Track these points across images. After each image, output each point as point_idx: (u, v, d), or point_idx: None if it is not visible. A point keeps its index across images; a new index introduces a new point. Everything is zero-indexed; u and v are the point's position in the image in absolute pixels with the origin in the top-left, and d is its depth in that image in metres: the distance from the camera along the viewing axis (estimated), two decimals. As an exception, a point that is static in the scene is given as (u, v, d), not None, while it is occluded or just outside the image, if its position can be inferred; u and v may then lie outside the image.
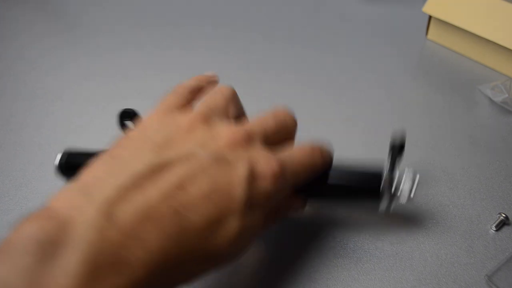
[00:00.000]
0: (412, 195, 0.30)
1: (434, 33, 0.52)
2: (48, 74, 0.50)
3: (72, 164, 0.32)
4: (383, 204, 0.30)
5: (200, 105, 0.28)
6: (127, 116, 0.35)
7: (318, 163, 0.29)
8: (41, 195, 0.37)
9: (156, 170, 0.23)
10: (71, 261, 0.18)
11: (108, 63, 0.52)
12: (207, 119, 0.27)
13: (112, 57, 0.52)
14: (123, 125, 0.35)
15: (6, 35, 0.57)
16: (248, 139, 0.26)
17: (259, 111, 0.43)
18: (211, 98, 0.29)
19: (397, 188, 0.30)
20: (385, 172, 0.30)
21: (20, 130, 0.43)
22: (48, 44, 0.55)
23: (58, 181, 0.38)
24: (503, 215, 0.33)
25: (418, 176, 0.30)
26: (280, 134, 0.29)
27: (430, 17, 0.52)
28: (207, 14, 0.60)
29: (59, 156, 0.32)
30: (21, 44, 0.55)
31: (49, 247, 0.19)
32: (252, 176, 0.24)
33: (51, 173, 0.39)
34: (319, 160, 0.29)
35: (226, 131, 0.26)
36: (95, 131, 0.43)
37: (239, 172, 0.24)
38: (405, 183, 0.30)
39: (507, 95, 0.42)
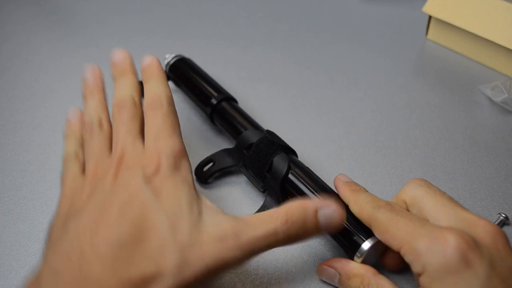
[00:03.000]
0: None
1: (434, 33, 0.52)
2: (46, 71, 0.50)
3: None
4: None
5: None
6: None
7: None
8: (41, 195, 0.37)
9: None
10: None
11: (104, 56, 0.51)
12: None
13: (109, 50, 0.52)
14: None
15: (1, 34, 0.57)
16: None
17: (259, 111, 0.43)
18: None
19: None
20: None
21: (19, 130, 0.43)
22: (44, 40, 0.55)
23: (58, 181, 0.38)
24: (503, 215, 0.33)
25: None
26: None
27: (430, 17, 0.52)
28: (205, 10, 0.60)
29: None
30: (17, 42, 0.55)
31: None
32: None
33: (51, 173, 0.39)
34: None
35: None
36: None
37: None
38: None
39: (507, 95, 0.42)
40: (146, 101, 0.32)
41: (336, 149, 0.40)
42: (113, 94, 0.33)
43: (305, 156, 0.38)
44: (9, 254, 0.33)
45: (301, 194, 0.32)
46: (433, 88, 0.46)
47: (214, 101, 0.40)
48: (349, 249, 0.30)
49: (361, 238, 0.29)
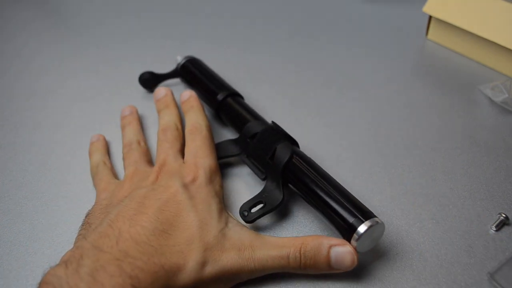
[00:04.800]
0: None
1: (434, 33, 0.52)
2: (47, 72, 0.50)
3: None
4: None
5: None
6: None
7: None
8: (41, 195, 0.37)
9: None
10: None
11: (104, 56, 0.52)
12: None
13: (109, 50, 0.52)
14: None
15: (2, 35, 0.57)
16: None
17: (259, 111, 0.43)
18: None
19: None
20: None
21: (19, 130, 0.43)
22: (44, 41, 0.55)
23: (58, 181, 0.38)
24: (503, 215, 0.33)
25: None
26: None
27: (430, 17, 0.52)
28: (206, 11, 0.60)
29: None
30: (18, 43, 0.55)
31: None
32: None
33: (51, 173, 0.39)
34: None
35: None
36: (95, 129, 0.43)
37: None
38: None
39: (507, 95, 0.42)
40: (188, 127, 0.38)
41: (336, 149, 0.40)
42: (159, 123, 0.39)
43: (305, 156, 0.38)
44: (9, 254, 0.33)
45: (302, 181, 0.33)
46: (433, 88, 0.46)
47: (220, 97, 0.41)
48: (345, 231, 0.30)
49: (359, 219, 0.29)
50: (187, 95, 0.41)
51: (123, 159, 0.38)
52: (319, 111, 0.44)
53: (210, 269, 0.28)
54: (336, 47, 0.53)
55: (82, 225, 0.32)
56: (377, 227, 0.29)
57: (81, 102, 0.46)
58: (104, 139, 0.41)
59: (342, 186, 0.32)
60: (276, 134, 0.36)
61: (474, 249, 0.32)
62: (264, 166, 0.35)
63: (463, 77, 0.47)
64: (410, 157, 0.39)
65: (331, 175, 0.33)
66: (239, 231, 0.30)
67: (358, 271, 0.31)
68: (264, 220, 0.34)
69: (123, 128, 0.41)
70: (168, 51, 0.53)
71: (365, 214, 0.29)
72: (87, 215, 0.33)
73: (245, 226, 0.31)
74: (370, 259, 0.32)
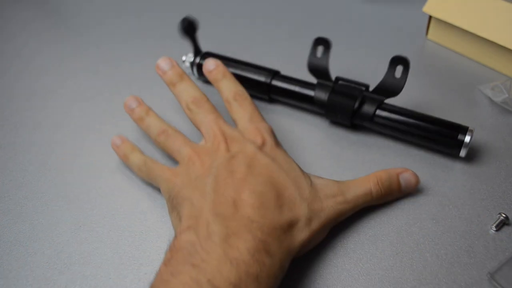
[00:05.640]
0: None
1: (434, 33, 0.52)
2: (47, 72, 0.50)
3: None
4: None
5: None
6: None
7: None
8: (41, 195, 0.37)
9: None
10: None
11: (104, 56, 0.52)
12: None
13: (109, 50, 0.52)
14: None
15: (2, 35, 0.57)
16: None
17: (262, 111, 0.42)
18: None
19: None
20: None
21: (19, 130, 0.43)
22: (44, 41, 0.55)
23: (58, 181, 0.38)
24: (503, 215, 0.33)
25: None
26: None
27: (430, 17, 0.52)
28: (205, 11, 0.60)
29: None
30: (18, 43, 0.55)
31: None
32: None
33: (51, 173, 0.39)
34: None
35: None
36: (95, 129, 0.43)
37: None
38: None
39: (507, 95, 0.42)
40: (229, 95, 0.37)
41: (336, 149, 0.40)
42: (182, 98, 0.37)
43: (306, 157, 0.38)
44: (9, 254, 0.33)
45: (397, 120, 0.38)
46: (433, 88, 0.46)
47: (268, 80, 0.43)
48: (452, 146, 0.36)
49: (462, 134, 0.36)
50: (213, 64, 0.39)
51: (164, 147, 0.36)
52: (319, 111, 0.44)
53: (317, 221, 0.30)
54: (336, 47, 0.53)
55: (168, 202, 0.32)
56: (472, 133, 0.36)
57: (81, 102, 0.46)
58: (127, 139, 0.39)
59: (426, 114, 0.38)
60: (351, 87, 0.40)
61: (474, 249, 0.32)
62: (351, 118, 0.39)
63: (463, 77, 0.47)
64: (410, 157, 0.39)
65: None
66: (323, 182, 0.33)
67: (358, 271, 0.31)
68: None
69: (141, 120, 0.38)
70: (168, 51, 0.53)
71: (462, 128, 0.36)
72: (171, 198, 0.32)
73: (323, 177, 0.34)
74: (370, 259, 0.32)
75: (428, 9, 0.50)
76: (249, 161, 0.32)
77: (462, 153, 0.36)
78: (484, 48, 0.48)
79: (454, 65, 0.49)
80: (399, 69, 0.38)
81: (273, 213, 0.29)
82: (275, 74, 0.43)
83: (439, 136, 0.37)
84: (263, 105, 0.45)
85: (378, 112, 0.39)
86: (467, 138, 0.36)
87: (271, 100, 0.45)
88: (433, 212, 0.35)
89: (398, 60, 0.38)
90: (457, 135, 0.36)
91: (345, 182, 0.33)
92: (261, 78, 0.43)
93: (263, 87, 0.43)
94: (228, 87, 0.38)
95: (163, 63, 0.39)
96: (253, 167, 0.31)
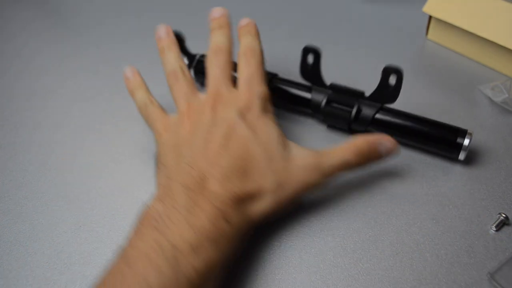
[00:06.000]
0: None
1: (434, 33, 0.52)
2: (47, 72, 0.50)
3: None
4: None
5: None
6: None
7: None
8: (41, 195, 0.37)
9: None
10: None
11: (104, 56, 0.52)
12: None
13: (109, 50, 0.52)
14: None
15: (2, 35, 0.57)
16: None
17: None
18: None
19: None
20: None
21: (19, 130, 0.43)
22: (44, 41, 0.55)
23: (58, 181, 0.38)
24: (503, 215, 0.33)
25: None
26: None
27: (430, 17, 0.52)
28: (205, 11, 0.60)
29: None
30: (18, 43, 0.55)
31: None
32: None
33: (51, 173, 0.39)
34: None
35: None
36: (95, 129, 0.43)
37: None
38: None
39: (507, 95, 0.42)
40: (242, 49, 0.37)
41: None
42: (210, 42, 0.38)
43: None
44: (9, 254, 0.33)
45: (396, 124, 0.38)
46: (433, 88, 0.46)
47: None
48: (451, 149, 0.36)
49: (461, 138, 0.36)
50: (246, 21, 0.40)
51: (170, 89, 0.37)
52: (319, 111, 0.44)
53: (283, 193, 0.31)
54: (336, 47, 0.53)
55: (156, 165, 0.35)
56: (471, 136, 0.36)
57: (81, 102, 0.46)
58: (139, 73, 0.39)
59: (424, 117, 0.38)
60: (347, 95, 0.40)
61: (474, 249, 0.32)
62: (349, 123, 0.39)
63: (463, 77, 0.47)
64: (410, 157, 0.39)
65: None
66: (301, 153, 0.33)
67: (358, 271, 0.31)
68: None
69: (161, 51, 0.39)
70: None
71: (460, 131, 0.36)
72: (157, 157, 0.35)
73: (303, 147, 0.34)
74: (370, 259, 0.32)
75: (428, 9, 0.50)
76: (228, 132, 0.32)
77: (461, 156, 0.36)
78: (484, 48, 0.48)
79: (454, 65, 0.49)
80: (392, 79, 0.38)
81: (237, 185, 0.30)
82: (273, 76, 0.43)
83: (438, 140, 0.37)
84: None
85: (376, 116, 0.39)
86: (466, 141, 0.36)
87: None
88: (433, 212, 0.35)
89: (391, 70, 0.37)
90: (456, 139, 0.36)
91: (323, 152, 0.34)
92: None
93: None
94: (246, 42, 0.38)
95: (161, 29, 0.40)
96: (229, 139, 0.32)
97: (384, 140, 0.35)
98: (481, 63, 0.49)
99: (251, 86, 0.35)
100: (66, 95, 0.47)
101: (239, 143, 0.32)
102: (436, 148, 0.38)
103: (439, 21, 0.50)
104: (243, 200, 0.30)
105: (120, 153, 0.40)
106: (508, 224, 0.33)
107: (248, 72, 0.36)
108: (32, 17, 0.60)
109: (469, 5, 0.47)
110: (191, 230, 0.27)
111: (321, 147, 0.39)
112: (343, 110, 0.39)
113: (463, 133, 0.36)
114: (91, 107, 0.46)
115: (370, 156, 0.34)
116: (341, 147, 0.34)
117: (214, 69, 0.36)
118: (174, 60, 0.38)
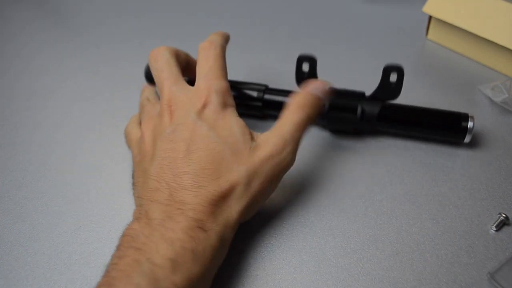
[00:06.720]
0: None
1: (434, 33, 0.52)
2: (47, 72, 0.50)
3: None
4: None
5: None
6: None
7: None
8: (41, 195, 0.37)
9: None
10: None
11: (104, 56, 0.52)
12: None
13: (109, 50, 0.52)
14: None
15: (2, 35, 0.57)
16: None
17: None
18: None
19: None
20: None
21: (19, 130, 0.43)
22: (44, 41, 0.55)
23: (58, 181, 0.38)
24: (503, 215, 0.33)
25: None
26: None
27: (430, 17, 0.52)
28: (205, 11, 0.60)
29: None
30: (18, 43, 0.55)
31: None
32: None
33: (51, 173, 0.39)
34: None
35: None
36: (95, 129, 0.43)
37: None
38: None
39: (507, 95, 0.42)
40: (202, 44, 0.36)
41: (336, 150, 0.40)
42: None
43: (305, 158, 0.38)
44: (9, 254, 0.33)
45: (400, 119, 0.39)
46: (433, 88, 0.46)
47: (260, 95, 0.42)
48: (457, 134, 0.38)
49: (465, 121, 0.37)
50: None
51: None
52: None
53: (257, 182, 0.31)
54: (336, 47, 0.53)
55: (132, 185, 0.34)
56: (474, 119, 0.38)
57: (81, 102, 0.46)
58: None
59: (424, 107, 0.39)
60: (349, 97, 0.40)
61: (474, 249, 0.32)
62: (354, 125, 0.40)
63: (463, 77, 0.47)
64: (410, 157, 0.39)
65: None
66: (265, 138, 0.32)
67: (358, 271, 0.31)
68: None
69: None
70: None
71: (462, 115, 0.38)
72: (132, 176, 0.34)
73: (263, 134, 0.33)
74: (370, 259, 0.32)
75: (428, 9, 0.50)
76: (188, 136, 0.31)
77: (467, 139, 0.38)
78: (484, 48, 0.48)
79: (454, 65, 0.49)
80: (393, 76, 0.38)
81: (208, 189, 0.29)
82: (266, 88, 0.42)
83: (444, 127, 0.38)
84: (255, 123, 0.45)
85: (381, 113, 0.39)
86: (470, 124, 0.37)
87: (264, 117, 0.43)
88: (433, 212, 0.35)
89: (392, 68, 0.38)
90: (461, 123, 0.38)
91: (277, 125, 0.33)
92: (253, 94, 0.42)
93: (257, 103, 0.42)
94: (208, 38, 0.37)
95: None
96: (191, 143, 0.31)
97: (315, 85, 0.35)
98: (481, 63, 0.49)
99: (208, 81, 0.34)
100: (66, 95, 0.47)
101: (202, 145, 0.31)
102: (443, 135, 0.39)
103: (439, 21, 0.50)
104: (217, 202, 0.29)
105: (120, 153, 0.40)
106: (508, 224, 0.33)
107: (206, 66, 0.35)
108: (32, 17, 0.60)
109: (469, 5, 0.47)
110: (166, 244, 0.27)
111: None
112: (347, 113, 0.39)
113: (465, 117, 0.38)
114: (91, 107, 0.46)
115: (314, 105, 0.34)
116: (287, 111, 0.34)
117: (160, 74, 0.35)
118: (142, 97, 0.39)
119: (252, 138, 0.32)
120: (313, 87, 0.35)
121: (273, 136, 0.32)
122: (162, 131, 0.32)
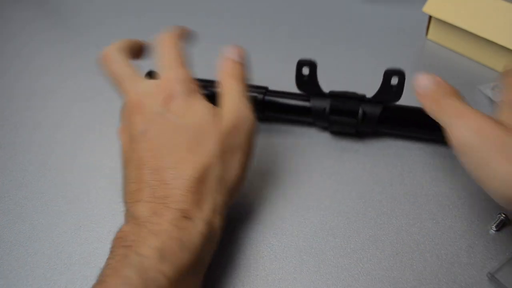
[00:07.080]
0: None
1: (434, 33, 0.52)
2: (47, 72, 0.50)
3: None
4: None
5: None
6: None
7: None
8: (41, 195, 0.37)
9: None
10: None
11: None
12: None
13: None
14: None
15: (2, 35, 0.57)
16: None
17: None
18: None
19: None
20: None
21: (19, 130, 0.43)
22: (44, 41, 0.55)
23: (58, 181, 0.38)
24: (503, 215, 0.33)
25: None
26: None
27: (430, 17, 0.52)
28: (205, 8, 0.60)
29: None
30: (18, 43, 0.55)
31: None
32: None
33: (51, 173, 0.39)
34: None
35: None
36: (95, 129, 0.43)
37: None
38: None
39: (507, 95, 0.42)
40: (156, 39, 0.37)
41: (336, 151, 0.40)
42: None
43: (306, 158, 0.38)
44: (9, 254, 0.33)
45: (399, 120, 0.40)
46: (433, 88, 0.46)
47: (260, 97, 0.41)
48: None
49: None
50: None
51: None
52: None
53: (231, 155, 0.32)
54: (336, 47, 0.53)
55: (123, 163, 0.35)
56: None
57: (81, 102, 0.46)
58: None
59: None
60: (350, 100, 0.40)
61: (474, 249, 0.32)
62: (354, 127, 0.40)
63: (463, 77, 0.47)
64: (410, 157, 0.39)
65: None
66: (229, 111, 0.33)
67: (358, 271, 0.31)
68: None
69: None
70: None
71: None
72: (122, 155, 0.35)
73: (222, 109, 0.33)
74: (370, 259, 0.32)
75: (428, 9, 0.50)
76: (159, 130, 0.32)
77: None
78: (484, 48, 0.48)
79: (454, 65, 0.49)
80: (394, 80, 0.38)
81: (184, 177, 0.30)
82: (266, 91, 0.42)
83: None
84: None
85: (382, 114, 0.39)
86: None
87: (264, 119, 0.43)
88: (433, 212, 0.35)
89: (392, 73, 0.37)
90: None
91: (227, 99, 0.34)
92: (253, 95, 0.41)
93: (257, 105, 0.41)
94: (163, 31, 0.38)
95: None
96: (163, 136, 0.31)
97: (230, 52, 0.36)
98: (481, 63, 0.49)
99: (169, 72, 0.34)
100: (66, 95, 0.47)
101: (174, 137, 0.31)
102: (443, 135, 0.38)
103: (439, 21, 0.50)
104: (196, 189, 0.30)
105: (120, 153, 0.40)
106: (508, 224, 0.33)
107: (166, 59, 0.35)
108: (32, 17, 0.60)
109: (469, 5, 0.47)
110: (154, 236, 0.27)
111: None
112: (348, 116, 0.39)
113: None
114: (91, 107, 0.46)
115: (241, 73, 0.36)
116: (223, 82, 0.35)
117: (116, 77, 0.35)
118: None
119: (219, 116, 0.33)
120: (229, 52, 0.36)
121: (230, 111, 0.33)
122: (134, 132, 0.32)
